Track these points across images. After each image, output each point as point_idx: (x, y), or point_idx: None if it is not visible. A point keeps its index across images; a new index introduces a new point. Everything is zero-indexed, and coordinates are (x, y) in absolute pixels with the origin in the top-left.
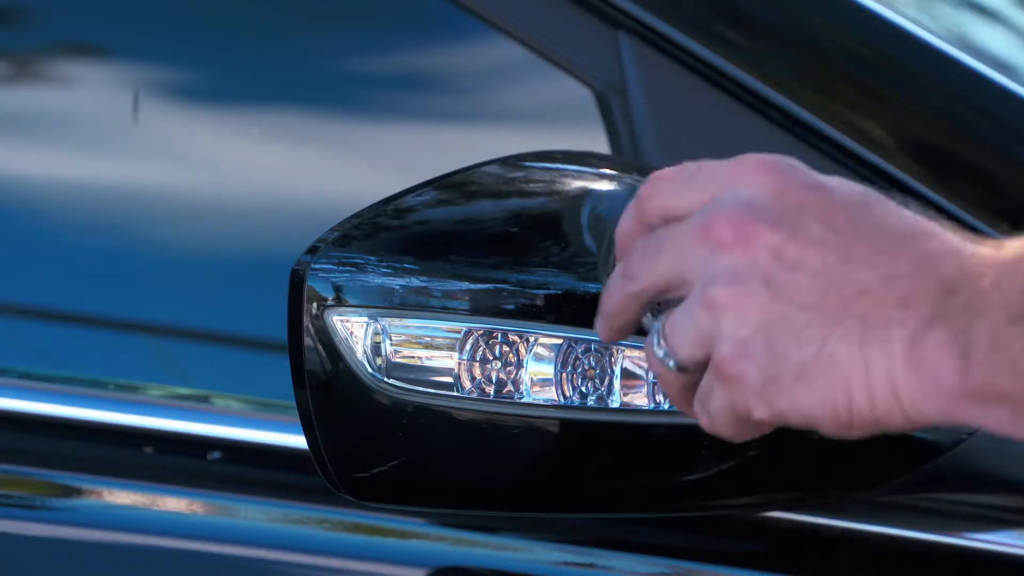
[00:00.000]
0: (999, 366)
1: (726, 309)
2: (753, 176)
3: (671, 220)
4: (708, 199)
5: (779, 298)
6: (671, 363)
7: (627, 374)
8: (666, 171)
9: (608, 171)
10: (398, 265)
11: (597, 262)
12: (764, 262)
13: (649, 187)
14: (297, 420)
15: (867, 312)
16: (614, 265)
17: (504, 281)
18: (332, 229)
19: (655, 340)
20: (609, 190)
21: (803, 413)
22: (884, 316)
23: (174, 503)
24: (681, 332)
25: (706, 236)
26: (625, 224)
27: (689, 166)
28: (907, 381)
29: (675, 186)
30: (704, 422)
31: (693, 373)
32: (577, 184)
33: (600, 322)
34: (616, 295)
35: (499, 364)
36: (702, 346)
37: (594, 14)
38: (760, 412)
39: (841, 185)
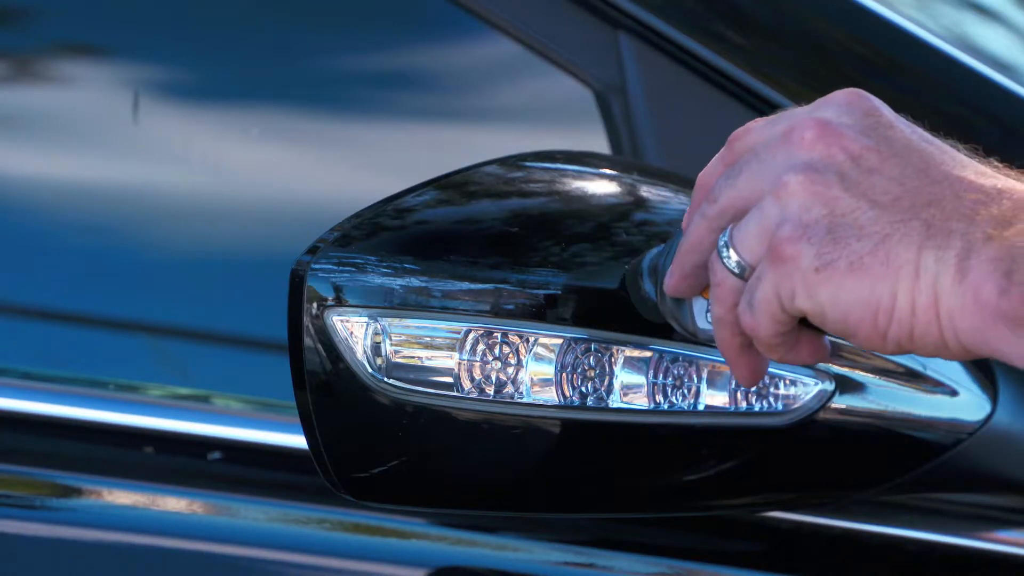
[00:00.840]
0: None
1: (796, 195)
2: (843, 97)
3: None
4: None
5: (851, 192)
6: (734, 264)
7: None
8: (759, 118)
9: (608, 171)
10: (398, 265)
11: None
12: (841, 160)
13: (740, 130)
14: (297, 420)
15: (933, 219)
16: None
17: (504, 281)
18: (332, 229)
19: (722, 248)
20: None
21: (843, 311)
22: (948, 227)
23: (174, 503)
24: (748, 228)
25: (787, 139)
26: (709, 166)
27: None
28: (951, 291)
29: (765, 123)
30: (747, 320)
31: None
32: (577, 184)
33: (673, 264)
34: (694, 227)
35: (499, 364)
36: (767, 236)
37: (594, 14)
38: (803, 301)
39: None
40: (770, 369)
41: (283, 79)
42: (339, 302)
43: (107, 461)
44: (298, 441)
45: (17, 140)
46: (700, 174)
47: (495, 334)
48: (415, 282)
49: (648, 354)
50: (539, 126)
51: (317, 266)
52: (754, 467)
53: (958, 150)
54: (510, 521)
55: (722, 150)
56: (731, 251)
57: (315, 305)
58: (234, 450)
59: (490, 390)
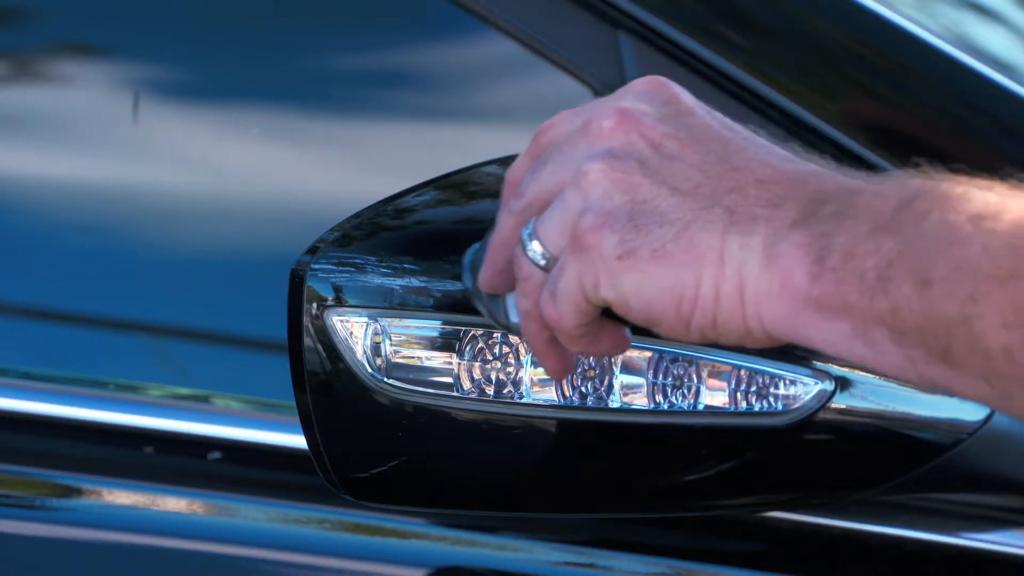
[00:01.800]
0: (849, 276)
1: (597, 183)
2: (642, 85)
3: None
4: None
5: (652, 178)
6: (539, 256)
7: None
8: (565, 111)
9: None
10: (398, 265)
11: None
12: (642, 147)
13: (546, 123)
14: (297, 420)
15: (736, 206)
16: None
17: None
18: (332, 229)
19: (526, 241)
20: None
21: (647, 299)
22: (752, 212)
23: (174, 503)
24: (551, 219)
25: (587, 129)
26: (517, 161)
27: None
28: (757, 278)
29: (570, 114)
30: (549, 311)
31: None
32: None
33: (485, 261)
34: (502, 223)
35: (499, 364)
36: (569, 226)
37: (594, 14)
38: (606, 289)
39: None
40: (770, 369)
41: (283, 79)
42: (339, 302)
43: (107, 461)
44: (298, 441)
45: (17, 140)
46: (508, 169)
47: (495, 334)
48: (415, 282)
49: (648, 354)
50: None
51: (317, 266)
52: (754, 467)
53: (760, 136)
54: (510, 521)
55: (529, 144)
56: (535, 243)
57: (315, 305)
58: (234, 450)
59: (490, 390)
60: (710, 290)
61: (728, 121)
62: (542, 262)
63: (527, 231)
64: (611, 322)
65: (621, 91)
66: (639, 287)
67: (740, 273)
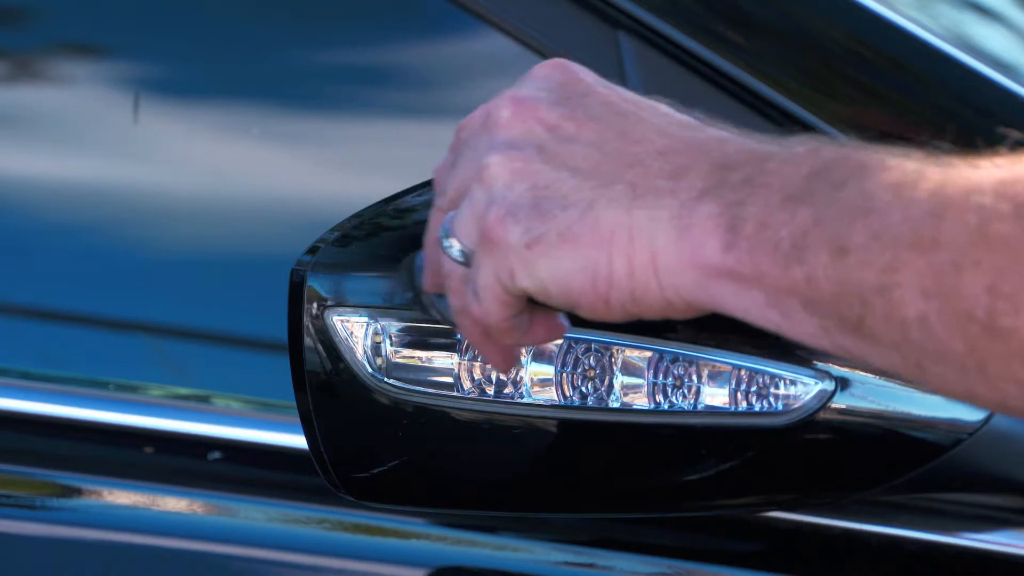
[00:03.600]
0: (763, 245)
1: (498, 176)
2: (541, 70)
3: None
4: None
5: (550, 163)
6: (456, 252)
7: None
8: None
9: None
10: (398, 265)
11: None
12: (539, 133)
13: (466, 119)
14: (297, 420)
15: (639, 180)
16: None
17: None
18: (332, 229)
19: (443, 239)
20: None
21: (563, 282)
22: (655, 185)
23: (174, 503)
24: (461, 215)
25: (486, 122)
26: (443, 159)
27: None
28: (669, 250)
29: (481, 108)
30: (475, 309)
31: None
32: None
33: (424, 261)
34: (431, 221)
35: None
36: (478, 222)
37: (594, 14)
38: (523, 279)
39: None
40: (770, 369)
41: (283, 79)
42: (339, 302)
43: (107, 461)
44: (298, 441)
45: (17, 140)
46: (435, 167)
47: None
48: (415, 282)
49: (648, 354)
50: None
51: (317, 266)
52: (754, 467)
53: (665, 105)
54: (510, 521)
55: (452, 141)
56: (451, 240)
57: (315, 305)
58: (234, 450)
59: (490, 390)
60: (623, 266)
61: (630, 95)
62: (460, 258)
63: (443, 228)
64: (541, 310)
65: (521, 79)
66: (553, 272)
67: (651, 247)
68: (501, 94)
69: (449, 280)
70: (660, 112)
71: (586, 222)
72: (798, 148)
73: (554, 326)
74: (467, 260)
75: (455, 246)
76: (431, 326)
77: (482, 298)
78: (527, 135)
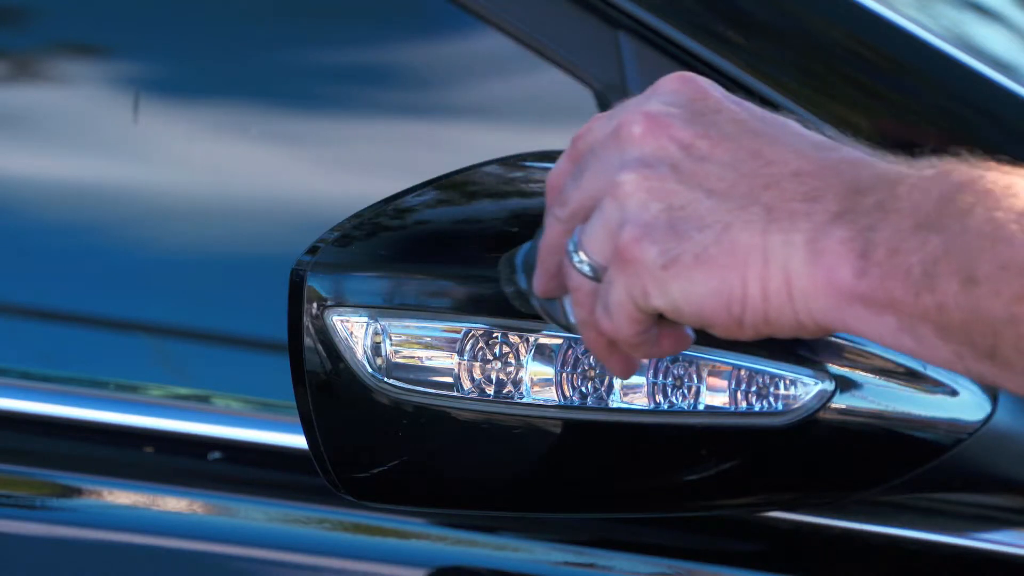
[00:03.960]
0: (895, 271)
1: (632, 194)
2: (670, 84)
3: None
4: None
5: (686, 183)
6: (586, 267)
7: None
8: (601, 114)
9: None
10: (398, 265)
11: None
12: (673, 151)
13: (583, 127)
14: (297, 420)
15: (774, 203)
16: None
17: None
18: (332, 229)
19: (572, 253)
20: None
21: (697, 303)
22: (790, 208)
23: (174, 503)
24: (592, 231)
25: (618, 135)
26: (558, 165)
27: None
28: (803, 274)
29: (604, 118)
30: (605, 325)
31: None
32: None
33: (537, 267)
34: (549, 229)
35: (499, 364)
36: (612, 239)
37: (594, 14)
38: (656, 299)
39: (762, 106)
40: (770, 369)
41: (283, 79)
42: (339, 302)
43: (107, 461)
44: (298, 441)
45: (17, 140)
46: (550, 174)
47: (495, 334)
48: (415, 282)
49: None
50: (539, 126)
51: (317, 266)
52: (754, 467)
53: (792, 121)
54: (510, 521)
55: (568, 148)
56: (580, 254)
57: (315, 305)
58: (234, 450)
59: (490, 390)
60: (757, 289)
61: (760, 111)
62: (590, 273)
63: (572, 243)
64: (669, 324)
65: (649, 91)
66: (687, 293)
67: (785, 270)
68: (628, 106)
69: (576, 293)
70: (792, 131)
71: (722, 245)
72: (928, 171)
73: (681, 338)
74: (597, 275)
75: (585, 260)
76: (431, 326)
77: (613, 314)
78: (660, 152)
